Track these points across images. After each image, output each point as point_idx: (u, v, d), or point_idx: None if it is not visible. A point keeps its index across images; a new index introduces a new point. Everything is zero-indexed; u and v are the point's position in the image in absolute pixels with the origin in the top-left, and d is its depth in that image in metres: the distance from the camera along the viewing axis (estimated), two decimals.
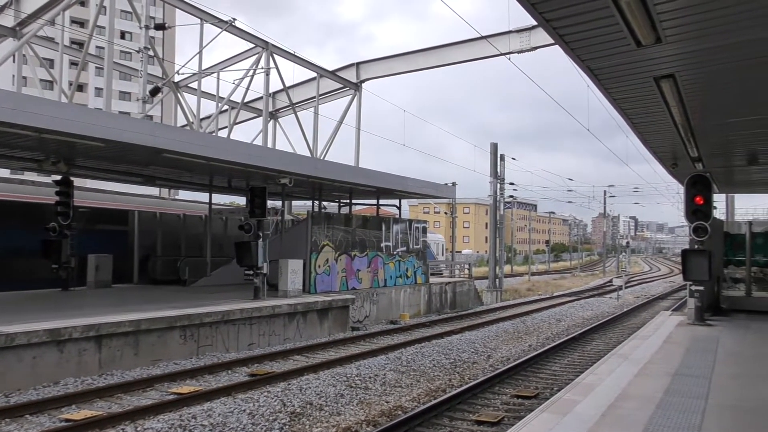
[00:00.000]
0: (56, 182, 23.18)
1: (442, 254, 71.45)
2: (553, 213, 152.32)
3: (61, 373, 14.01)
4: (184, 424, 11.11)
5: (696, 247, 16.76)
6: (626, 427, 7.90)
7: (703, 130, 13.76)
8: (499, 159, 43.73)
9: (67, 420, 11.38)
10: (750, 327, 17.36)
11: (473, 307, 34.75)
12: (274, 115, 36.42)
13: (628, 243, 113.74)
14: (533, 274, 75.12)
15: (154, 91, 26.14)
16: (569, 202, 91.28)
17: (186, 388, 13.68)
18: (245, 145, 21.05)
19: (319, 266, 24.63)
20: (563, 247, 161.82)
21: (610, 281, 57.33)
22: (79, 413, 11.72)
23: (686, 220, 16.96)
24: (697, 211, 16.67)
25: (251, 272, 21.47)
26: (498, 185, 43.52)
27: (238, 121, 34.94)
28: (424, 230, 32.33)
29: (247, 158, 19.80)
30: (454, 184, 45.28)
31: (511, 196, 64.37)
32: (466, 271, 41.48)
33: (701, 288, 17.29)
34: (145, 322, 15.78)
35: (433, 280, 33.40)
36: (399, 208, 33.18)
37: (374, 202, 32.83)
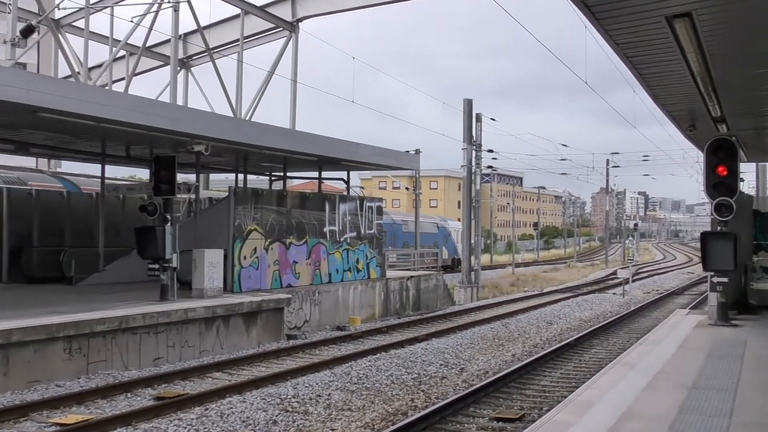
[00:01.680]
0: None
1: (460, 242, 71.69)
2: (543, 188, 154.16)
3: None
4: None
5: (719, 229, 17.10)
6: None
7: (728, 83, 13.99)
8: (474, 120, 43.93)
9: None
10: None
11: (443, 307, 34.93)
12: (185, 63, 35.94)
13: (636, 225, 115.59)
14: (518, 265, 75.96)
15: (27, 31, 25.58)
16: (563, 174, 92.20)
17: (72, 417, 13.52)
18: (148, 101, 20.70)
19: (245, 257, 24.49)
20: (556, 231, 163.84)
21: (614, 273, 58.31)
22: None
23: (706, 195, 17.28)
24: (720, 184, 16.97)
25: (156, 266, 21.22)
26: (473, 153, 43.76)
27: (138, 71, 34.37)
28: (380, 210, 32.36)
29: (150, 119, 19.50)
30: (417, 151, 45.38)
31: (490, 167, 64.95)
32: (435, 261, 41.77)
33: (725, 280, 17.64)
34: (17, 333, 15.50)
35: (391, 273, 33.52)
36: (347, 182, 33.14)
37: (316, 175, 32.71)
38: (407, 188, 70.19)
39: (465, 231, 43.60)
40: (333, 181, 37.59)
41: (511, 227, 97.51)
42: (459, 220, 57.70)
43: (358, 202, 30.83)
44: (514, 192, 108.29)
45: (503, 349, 22.10)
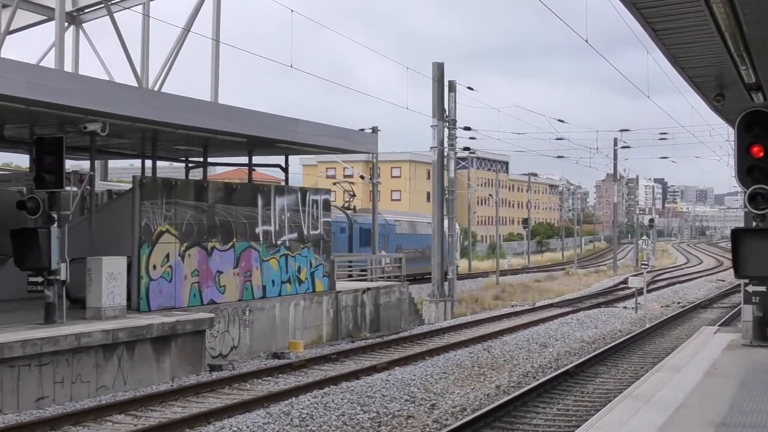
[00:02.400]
0: None
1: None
2: (535, 175, 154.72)
3: None
4: None
5: (754, 224, 17.24)
6: None
7: (765, 40, 14.11)
8: (447, 89, 43.99)
9: None
10: None
11: (408, 327, 34.95)
12: (75, 18, 35.59)
13: (652, 221, 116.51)
14: (504, 272, 76.26)
15: None
16: (559, 157, 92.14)
17: None
18: (26, 67, 20.44)
19: (155, 267, 24.30)
20: (551, 230, 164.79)
21: (625, 282, 58.75)
22: None
23: (738, 182, 17.43)
24: (755, 168, 17.09)
25: (40, 279, 20.99)
26: (445, 131, 43.81)
27: (13, 27, 33.93)
28: (327, 204, 32.28)
29: (30, 90, 19.27)
30: (375, 129, 45.33)
31: (468, 149, 65.04)
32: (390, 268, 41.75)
33: (763, 289, 17.81)
34: None
35: (342, 285, 33.46)
36: (286, 170, 33.02)
37: (245, 160, 32.55)
38: (362, 176, 70.12)
39: (436, 229, 43.67)
40: (268, 168, 37.45)
41: (495, 225, 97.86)
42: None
43: (299, 194, 30.71)
44: (498, 180, 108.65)
45: (485, 380, 22.15)
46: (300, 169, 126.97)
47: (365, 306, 32.90)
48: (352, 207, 58.79)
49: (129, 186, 26.89)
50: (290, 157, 33.04)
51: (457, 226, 79.42)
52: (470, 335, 31.19)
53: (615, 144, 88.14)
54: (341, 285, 33.29)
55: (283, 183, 33.42)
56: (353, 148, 33.47)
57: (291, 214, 29.98)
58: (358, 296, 32.57)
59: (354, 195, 60.43)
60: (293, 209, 30.13)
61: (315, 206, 31.29)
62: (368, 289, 33.68)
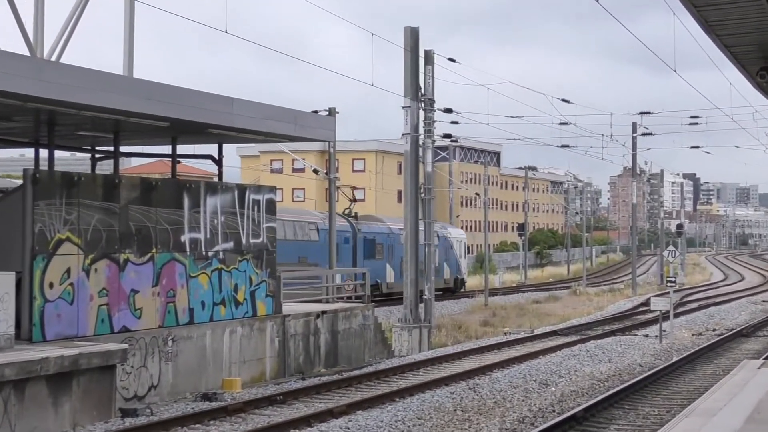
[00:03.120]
0: None
1: (464, 256, 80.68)
2: (534, 169, 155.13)
3: None
4: None
5: None
6: None
7: None
8: (422, 61, 44.00)
9: None
10: None
11: (374, 360, 34.92)
12: None
13: (681, 227, 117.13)
14: (494, 291, 76.36)
15: None
16: (564, 147, 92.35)
17: None
18: None
19: (52, 285, 24.15)
20: (554, 237, 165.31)
21: (646, 303, 58.98)
22: None
23: None
24: None
25: None
26: (421, 114, 43.80)
27: None
28: (271, 205, 32.19)
29: None
30: (332, 112, 45.28)
31: (449, 136, 65.09)
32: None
33: None
34: None
35: (291, 308, 33.37)
36: (219, 162, 32.98)
37: (168, 150, 32.46)
38: (316, 171, 70.03)
39: (409, 237, 43.63)
40: (196, 160, 37.32)
41: (483, 231, 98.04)
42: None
43: (235, 192, 30.60)
44: (487, 175, 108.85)
45: (470, 427, 22.17)
46: (237, 161, 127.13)
47: (320, 334, 32.84)
48: (353, 213, 59.85)
49: (19, 182, 26.72)
50: (225, 146, 32.99)
51: (463, 232, 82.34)
52: (452, 371, 31.23)
53: (634, 130, 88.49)
54: (289, 307, 33.19)
55: (215, 178, 33.34)
56: (304, 135, 33.35)
57: (226, 217, 29.88)
58: (310, 322, 32.50)
59: (356, 200, 61.58)
60: (229, 212, 30.03)
61: (256, 208, 31.19)
62: (323, 312, 33.60)
